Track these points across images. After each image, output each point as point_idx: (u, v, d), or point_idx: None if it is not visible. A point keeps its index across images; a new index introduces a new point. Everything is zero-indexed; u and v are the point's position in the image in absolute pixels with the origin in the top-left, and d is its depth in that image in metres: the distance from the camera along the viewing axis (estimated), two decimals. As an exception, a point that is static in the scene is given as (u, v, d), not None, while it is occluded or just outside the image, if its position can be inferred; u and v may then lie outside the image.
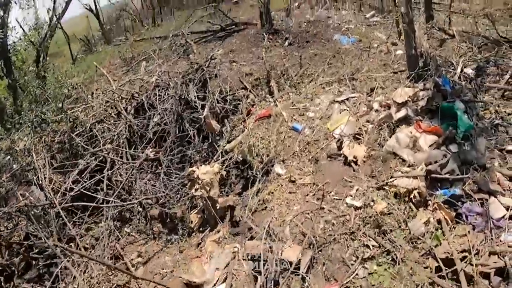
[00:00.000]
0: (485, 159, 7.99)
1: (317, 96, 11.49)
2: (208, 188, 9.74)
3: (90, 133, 12.28)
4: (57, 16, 19.98)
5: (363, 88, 11.11)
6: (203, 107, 12.05)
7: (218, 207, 9.85)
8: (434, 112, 9.18)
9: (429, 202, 7.44)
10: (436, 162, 7.90)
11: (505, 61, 10.97)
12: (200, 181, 9.74)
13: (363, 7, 20.97)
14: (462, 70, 10.60)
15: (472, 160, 7.95)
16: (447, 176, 7.63)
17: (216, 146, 11.48)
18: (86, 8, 28.77)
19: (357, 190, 7.98)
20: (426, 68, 10.17)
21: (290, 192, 8.81)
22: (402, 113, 9.26)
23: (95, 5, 29.19)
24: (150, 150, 11.49)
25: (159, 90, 13.00)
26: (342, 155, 9.05)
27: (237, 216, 9.60)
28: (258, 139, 10.51)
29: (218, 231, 9.61)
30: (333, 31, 17.06)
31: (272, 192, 9.04)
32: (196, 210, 10.38)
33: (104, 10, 32.87)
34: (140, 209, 10.74)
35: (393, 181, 7.76)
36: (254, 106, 12.42)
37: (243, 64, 14.65)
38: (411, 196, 7.39)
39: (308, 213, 7.89)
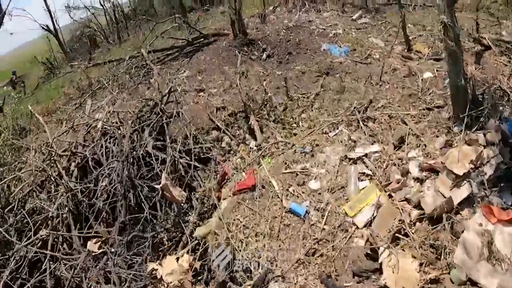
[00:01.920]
0: None
1: (319, 147, 7.21)
2: (178, 294, 5.79)
3: (23, 211, 7.81)
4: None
5: (387, 135, 6.97)
6: (163, 162, 7.94)
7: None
8: (501, 179, 5.37)
9: None
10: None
11: None
12: (165, 285, 5.95)
13: (346, 7, 16.87)
14: (521, 102, 6.59)
15: None
16: None
17: (182, 224, 7.22)
18: (43, 29, 24.12)
19: None
20: (481, 108, 6.13)
21: None
22: (464, 191, 5.24)
23: (54, 25, 24.59)
24: (94, 241, 7.22)
25: (106, 140, 8.76)
26: (383, 281, 4.86)
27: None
28: (239, 229, 6.25)
29: None
30: (319, 39, 12.92)
31: None
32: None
33: (67, 28, 28.37)
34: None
35: None
36: (227, 163, 8.15)
37: (213, 93, 10.38)
38: None
39: None
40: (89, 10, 28.52)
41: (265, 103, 9.32)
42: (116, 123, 9.23)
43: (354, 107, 7.86)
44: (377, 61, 10.65)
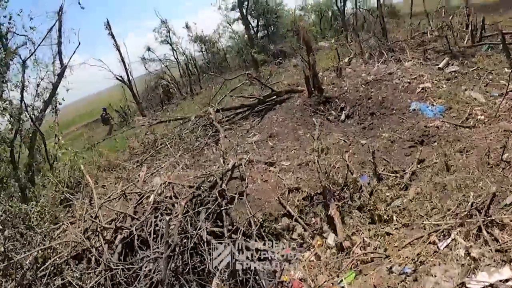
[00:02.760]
0: None
1: (425, 266, 4.87)
2: None
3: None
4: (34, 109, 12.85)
5: None
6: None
7: None
8: None
9: None
10: None
11: None
12: None
13: (428, 54, 14.51)
14: None
15: None
16: None
17: None
18: (118, 79, 23.87)
19: None
20: None
21: None
22: None
23: (128, 77, 24.26)
24: None
25: (157, 216, 7.12)
26: None
27: None
28: None
29: None
30: (405, 95, 10.74)
31: None
32: None
33: (142, 79, 28.21)
34: None
35: None
36: (296, 267, 6.13)
37: (286, 168, 8.45)
38: None
39: None
40: (163, 64, 28.23)
41: (348, 184, 7.27)
42: (171, 197, 7.68)
43: (472, 203, 5.47)
44: (483, 124, 8.30)
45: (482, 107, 9.24)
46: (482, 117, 8.63)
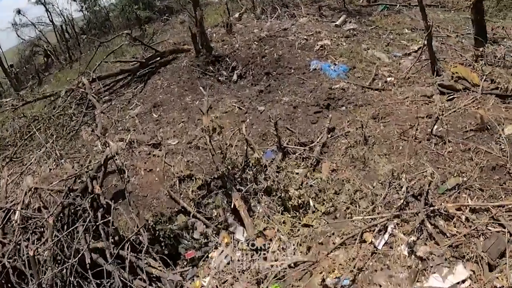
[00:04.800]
0: None
1: (365, 273, 3.61)
2: None
3: None
4: None
5: (475, 247, 3.56)
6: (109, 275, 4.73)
7: None
8: None
9: None
10: None
11: None
12: None
13: (323, 11, 13.32)
14: None
15: None
16: None
17: None
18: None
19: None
20: None
21: None
22: None
23: (-4, 48, 20.14)
24: None
25: (27, 239, 5.43)
26: None
27: None
28: None
29: None
30: (303, 53, 9.48)
31: None
32: None
33: (14, 49, 23.72)
34: None
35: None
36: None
37: (174, 149, 6.73)
38: None
39: None
40: (37, 28, 23.80)
41: (250, 164, 5.81)
42: (39, 209, 5.77)
43: (407, 188, 4.29)
44: (393, 87, 7.28)
45: (388, 67, 8.30)
46: (392, 78, 7.66)
